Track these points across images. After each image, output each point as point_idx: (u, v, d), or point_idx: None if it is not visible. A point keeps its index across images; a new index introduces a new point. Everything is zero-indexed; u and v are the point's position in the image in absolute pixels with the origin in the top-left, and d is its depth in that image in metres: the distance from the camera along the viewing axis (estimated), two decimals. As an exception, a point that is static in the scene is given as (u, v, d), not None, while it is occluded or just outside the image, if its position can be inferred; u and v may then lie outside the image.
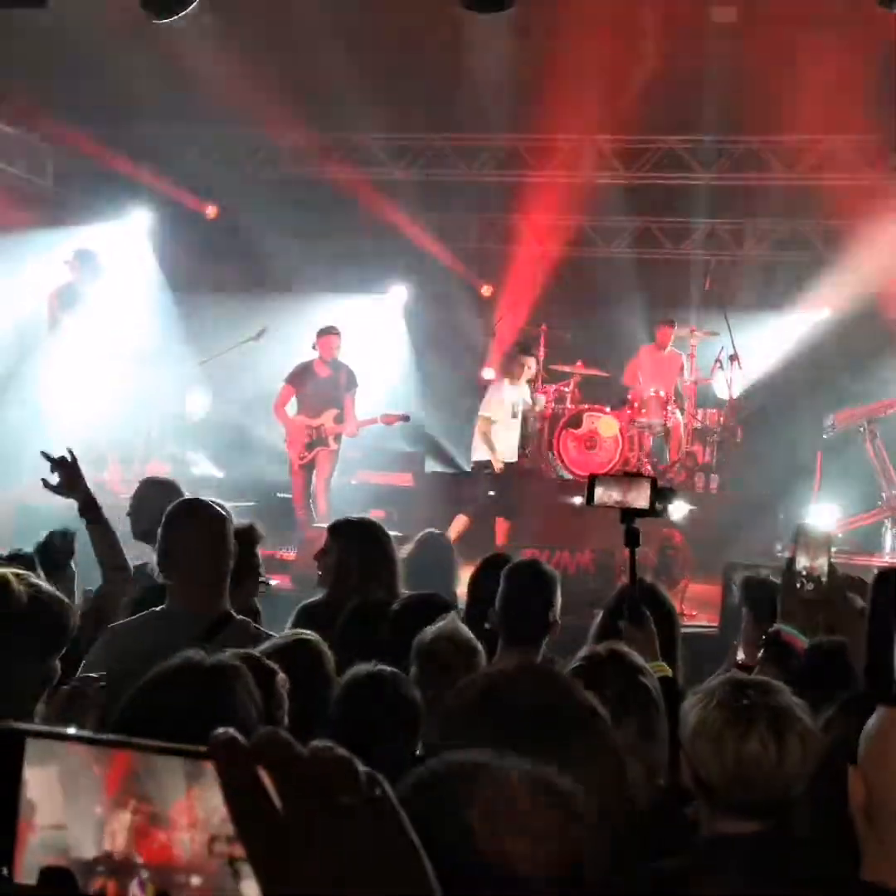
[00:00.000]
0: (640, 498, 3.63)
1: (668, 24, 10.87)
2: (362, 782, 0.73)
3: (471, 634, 3.49)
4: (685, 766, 2.44)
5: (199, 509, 3.84)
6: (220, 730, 0.72)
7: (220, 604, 3.73)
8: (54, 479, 4.34)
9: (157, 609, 3.74)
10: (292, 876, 0.72)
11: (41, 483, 4.31)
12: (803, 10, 10.22)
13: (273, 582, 6.25)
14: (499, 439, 10.82)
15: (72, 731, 0.76)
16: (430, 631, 3.42)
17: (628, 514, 3.68)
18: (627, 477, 3.80)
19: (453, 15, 8.56)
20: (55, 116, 11.48)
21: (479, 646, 3.49)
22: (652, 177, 12.81)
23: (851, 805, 2.09)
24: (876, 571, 1.12)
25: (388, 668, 2.97)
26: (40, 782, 0.75)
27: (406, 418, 10.58)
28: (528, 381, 11.41)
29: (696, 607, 8.95)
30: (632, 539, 3.73)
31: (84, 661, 3.42)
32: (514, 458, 11.11)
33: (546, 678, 1.61)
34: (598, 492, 3.67)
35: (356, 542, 4.78)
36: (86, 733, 0.76)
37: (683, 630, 6.52)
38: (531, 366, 11.24)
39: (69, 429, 7.23)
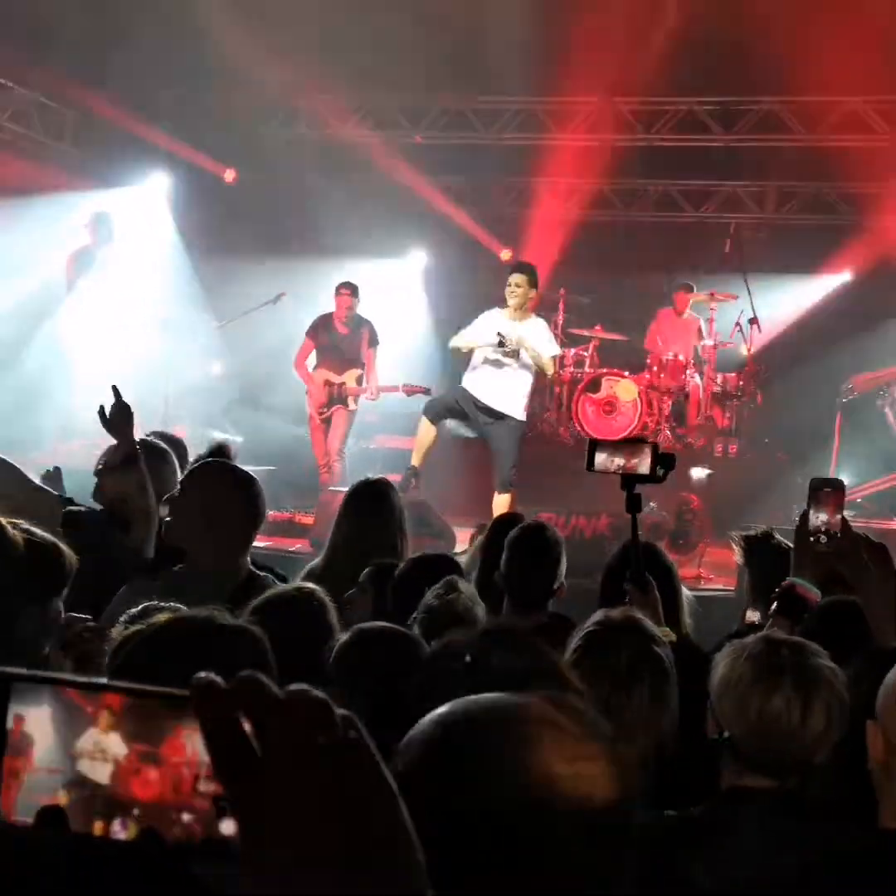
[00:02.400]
0: (641, 464, 3.63)
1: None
2: (338, 724, 0.75)
3: (469, 599, 3.48)
4: (711, 718, 2.45)
5: (230, 469, 3.88)
6: (201, 674, 0.74)
7: (245, 563, 3.78)
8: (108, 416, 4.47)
9: (177, 568, 3.77)
10: (269, 815, 0.73)
11: (98, 410, 4.44)
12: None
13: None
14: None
15: (54, 675, 0.79)
16: (429, 595, 3.43)
17: (629, 480, 3.68)
18: (628, 443, 3.79)
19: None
20: (75, 81, 11.45)
21: (479, 609, 3.48)
22: (672, 139, 12.71)
23: (870, 757, 2.11)
24: None
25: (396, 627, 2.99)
26: (36, 722, 0.77)
27: (427, 391, 10.32)
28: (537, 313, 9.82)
29: (714, 571, 8.97)
30: (633, 505, 3.73)
31: (102, 617, 3.41)
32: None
33: (516, 641, 1.62)
34: (599, 458, 3.68)
35: (354, 503, 4.80)
36: (69, 677, 0.78)
37: (701, 594, 6.56)
38: (520, 284, 9.31)
39: (88, 393, 7.25)
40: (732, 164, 12.92)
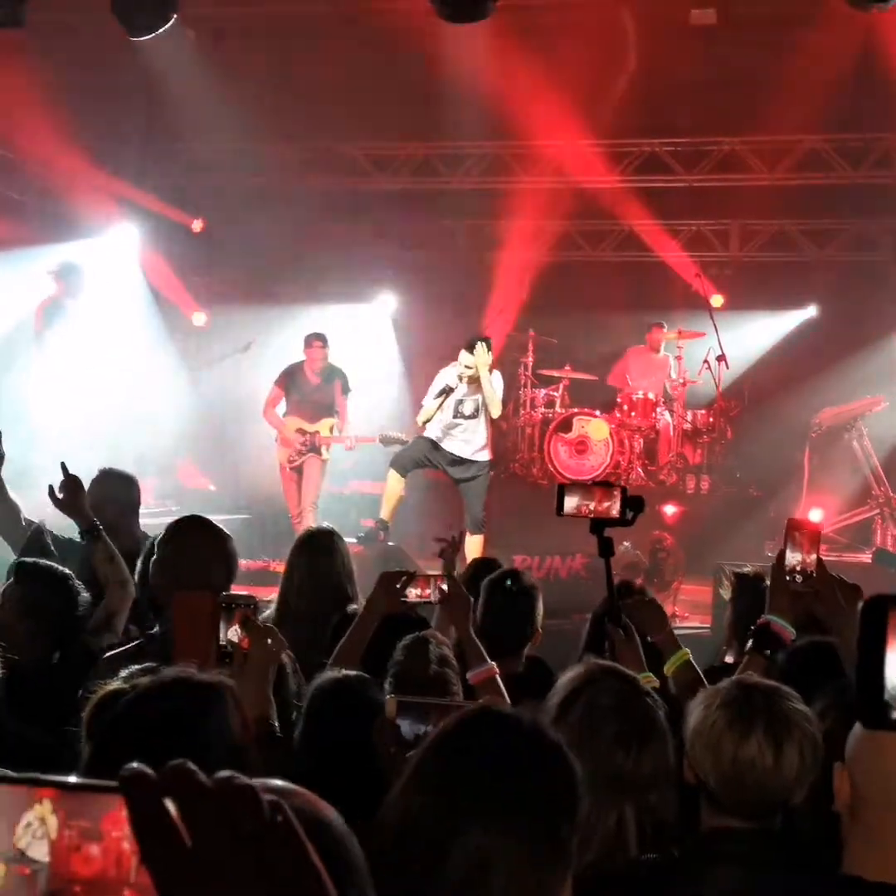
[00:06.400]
0: (611, 507, 3.63)
1: (647, 28, 10.92)
2: (264, 810, 0.74)
3: (440, 658, 3.45)
4: (686, 766, 2.45)
5: (207, 525, 3.82)
6: (130, 764, 0.74)
7: None
8: (60, 492, 4.44)
9: (152, 631, 3.71)
10: None
11: (48, 490, 4.40)
12: (781, 11, 10.29)
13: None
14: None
15: None
16: (398, 654, 3.39)
17: (599, 524, 3.67)
18: (597, 486, 3.78)
19: (433, 23, 8.59)
20: (39, 134, 11.45)
21: (449, 671, 3.45)
22: (635, 180, 12.84)
23: (837, 802, 2.12)
24: (863, 601, 1.15)
25: (355, 674, 3.00)
26: None
27: (404, 442, 10.23)
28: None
29: (688, 609, 8.99)
30: (605, 549, 3.73)
31: (81, 693, 3.34)
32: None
33: (510, 723, 1.64)
34: (569, 502, 3.67)
35: (302, 553, 4.77)
36: (2, 773, 0.78)
37: (677, 632, 6.56)
38: (470, 366, 9.42)
39: (57, 446, 7.21)
40: (696, 204, 13.07)
